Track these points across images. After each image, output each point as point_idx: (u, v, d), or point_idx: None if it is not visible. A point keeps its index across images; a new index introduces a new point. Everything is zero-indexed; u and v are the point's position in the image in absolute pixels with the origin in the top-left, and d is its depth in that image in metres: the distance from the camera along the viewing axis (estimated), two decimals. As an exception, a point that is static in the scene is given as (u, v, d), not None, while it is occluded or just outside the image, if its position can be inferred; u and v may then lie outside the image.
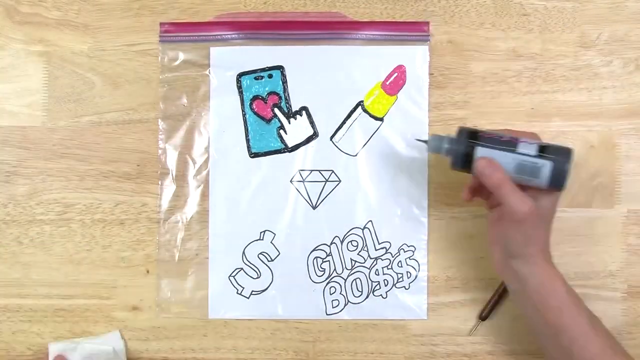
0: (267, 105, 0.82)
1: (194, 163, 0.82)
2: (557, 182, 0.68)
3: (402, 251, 0.82)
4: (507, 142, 0.70)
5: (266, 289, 0.82)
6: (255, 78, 0.82)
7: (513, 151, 0.69)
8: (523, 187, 0.69)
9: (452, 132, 0.81)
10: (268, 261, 0.82)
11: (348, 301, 0.82)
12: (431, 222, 0.82)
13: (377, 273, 0.82)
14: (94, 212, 0.82)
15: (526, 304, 0.72)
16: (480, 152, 0.70)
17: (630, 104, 0.82)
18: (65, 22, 0.83)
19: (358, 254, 0.82)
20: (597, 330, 0.70)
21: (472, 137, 0.71)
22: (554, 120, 0.82)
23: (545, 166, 0.68)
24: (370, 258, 0.82)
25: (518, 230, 0.69)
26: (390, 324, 0.82)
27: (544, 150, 0.68)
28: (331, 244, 0.82)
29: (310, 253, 0.82)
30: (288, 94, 0.82)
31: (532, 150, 0.68)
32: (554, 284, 0.70)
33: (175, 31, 0.82)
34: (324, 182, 0.82)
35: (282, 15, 0.82)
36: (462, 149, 0.71)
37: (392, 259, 0.82)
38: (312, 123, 0.82)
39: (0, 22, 0.83)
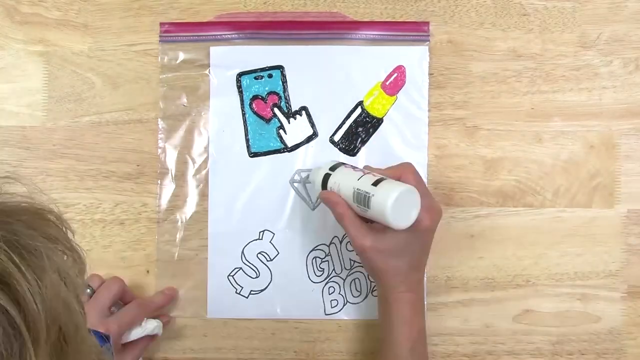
0: (267, 105, 0.82)
1: (194, 163, 0.82)
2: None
3: (401, 251, 0.81)
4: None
5: (265, 288, 0.82)
6: (255, 78, 0.82)
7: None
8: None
9: (452, 131, 0.81)
10: (267, 261, 0.82)
11: (347, 301, 0.82)
12: (431, 222, 0.82)
13: (376, 273, 0.82)
14: (94, 212, 0.83)
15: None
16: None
17: (630, 104, 0.82)
18: (65, 22, 0.83)
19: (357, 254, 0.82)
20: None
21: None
22: (554, 120, 0.82)
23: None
24: (370, 258, 0.82)
25: (364, 260, 0.72)
26: (390, 324, 0.82)
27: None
28: (330, 244, 0.82)
29: (309, 253, 0.82)
30: (288, 94, 0.82)
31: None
32: (390, 318, 0.72)
33: (175, 31, 0.83)
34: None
35: (282, 15, 0.83)
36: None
37: (391, 258, 0.82)
38: (311, 123, 0.82)
39: (0, 22, 0.83)
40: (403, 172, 0.72)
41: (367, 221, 0.72)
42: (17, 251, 0.42)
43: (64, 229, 0.49)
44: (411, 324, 0.72)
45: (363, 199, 0.69)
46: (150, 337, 0.78)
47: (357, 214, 0.71)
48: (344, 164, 0.76)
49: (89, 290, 0.76)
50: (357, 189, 0.70)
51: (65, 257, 0.47)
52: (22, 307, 0.40)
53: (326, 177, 0.75)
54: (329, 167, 0.76)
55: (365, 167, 0.77)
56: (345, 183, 0.72)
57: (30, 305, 0.41)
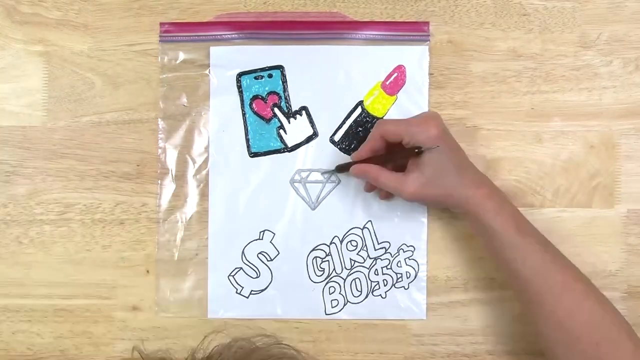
0: (267, 105, 0.82)
1: (194, 163, 0.82)
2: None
3: (401, 251, 0.82)
4: None
5: (265, 288, 0.82)
6: (255, 78, 0.82)
7: None
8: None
9: (452, 131, 0.81)
10: (267, 261, 0.82)
11: (347, 301, 0.82)
12: (431, 222, 0.82)
13: (376, 273, 0.82)
14: (94, 212, 0.82)
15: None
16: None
17: (630, 104, 0.82)
18: (65, 22, 0.83)
19: (357, 254, 0.82)
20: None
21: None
22: (554, 120, 0.82)
23: None
24: (370, 258, 0.82)
25: (423, 201, 0.77)
26: (390, 324, 0.82)
27: None
28: (330, 243, 0.82)
29: (310, 253, 0.82)
30: (288, 94, 0.82)
31: None
32: (482, 219, 0.72)
33: (175, 31, 0.83)
34: (323, 182, 0.82)
35: (282, 15, 0.83)
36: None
37: (391, 259, 0.82)
38: (311, 123, 0.82)
39: (0, 22, 0.83)
40: (379, 129, 0.75)
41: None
42: None
43: None
44: (502, 211, 0.71)
45: None
46: None
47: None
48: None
49: None
50: None
51: None
52: None
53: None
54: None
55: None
56: None
57: None
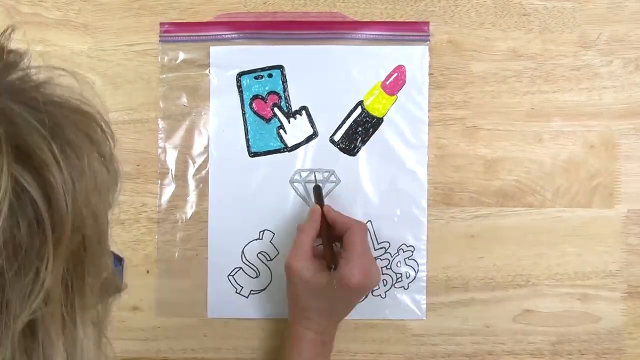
0: (267, 104, 0.82)
1: (194, 163, 0.82)
2: None
3: (401, 251, 0.81)
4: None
5: (265, 288, 0.82)
6: (255, 77, 0.82)
7: None
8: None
9: (452, 131, 0.81)
10: (267, 261, 0.82)
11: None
12: (431, 222, 0.82)
13: (376, 273, 0.82)
14: (94, 212, 0.82)
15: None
16: None
17: (630, 104, 0.82)
18: (65, 22, 0.83)
19: (357, 254, 0.82)
20: None
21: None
22: (554, 120, 0.82)
23: None
24: (370, 258, 0.82)
25: (287, 278, 0.75)
26: (390, 324, 0.82)
27: None
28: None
29: (310, 253, 0.82)
30: (288, 94, 0.82)
31: None
32: (290, 353, 0.73)
33: (175, 31, 0.83)
34: (323, 182, 0.81)
35: (282, 15, 0.83)
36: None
37: (391, 259, 0.82)
38: (311, 123, 0.82)
39: (0, 22, 0.83)
40: (351, 227, 0.74)
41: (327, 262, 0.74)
42: (59, 143, 0.40)
43: (109, 139, 0.47)
44: None
45: None
46: None
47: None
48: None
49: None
50: None
51: (104, 168, 0.45)
52: (51, 204, 0.39)
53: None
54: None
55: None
56: None
57: (61, 203, 0.39)
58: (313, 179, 0.81)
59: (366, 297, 0.80)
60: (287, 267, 0.73)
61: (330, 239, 0.76)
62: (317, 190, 0.80)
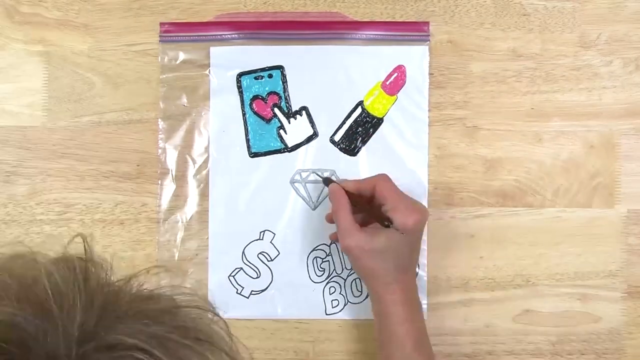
0: (267, 105, 0.82)
1: (194, 163, 0.82)
2: None
3: (401, 251, 0.81)
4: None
5: (266, 288, 0.82)
6: (255, 78, 0.82)
7: None
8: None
9: (452, 131, 0.81)
10: (268, 261, 0.82)
11: (348, 301, 0.82)
12: (431, 222, 0.82)
13: (376, 273, 0.82)
14: (94, 212, 0.82)
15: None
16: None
17: (630, 104, 0.82)
18: (65, 22, 0.83)
19: (358, 254, 0.82)
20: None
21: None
22: (554, 120, 0.82)
23: None
24: (370, 258, 0.82)
25: (351, 259, 0.74)
26: (390, 324, 0.82)
27: None
28: (331, 244, 0.82)
29: (310, 253, 0.82)
30: (288, 94, 0.82)
31: None
32: (388, 318, 0.72)
33: (175, 31, 0.82)
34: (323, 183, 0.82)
35: (282, 15, 0.82)
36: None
37: (391, 259, 0.82)
38: (312, 123, 0.82)
39: (0, 22, 0.83)
40: (377, 180, 0.74)
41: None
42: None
43: (231, 342, 0.46)
44: (411, 322, 0.72)
45: None
46: None
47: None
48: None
49: None
50: None
51: None
52: None
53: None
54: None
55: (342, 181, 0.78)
56: None
57: None
58: (313, 179, 0.81)
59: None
60: (346, 249, 0.72)
61: (368, 202, 0.75)
62: (327, 181, 0.79)
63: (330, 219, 0.77)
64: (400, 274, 0.72)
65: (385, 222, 0.71)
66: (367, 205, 0.75)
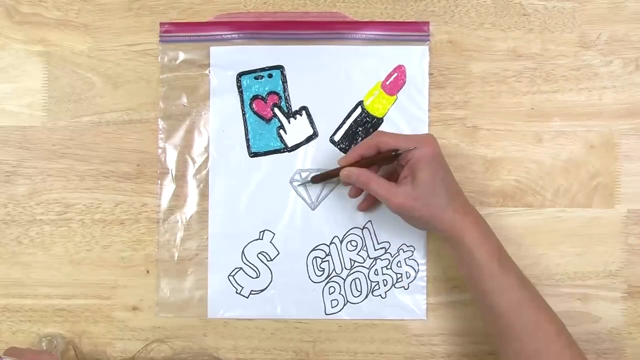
0: (267, 105, 0.82)
1: (194, 163, 0.82)
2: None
3: (401, 251, 0.82)
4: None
5: (265, 288, 0.82)
6: (255, 78, 0.82)
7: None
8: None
9: (452, 131, 0.81)
10: (267, 261, 0.82)
11: (347, 301, 0.82)
12: (431, 222, 0.82)
13: (376, 273, 0.82)
14: (94, 212, 0.83)
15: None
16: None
17: (630, 104, 0.82)
18: (65, 22, 0.83)
19: (357, 254, 0.82)
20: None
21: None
22: (554, 120, 0.82)
23: None
24: (370, 258, 0.82)
25: (407, 214, 0.73)
26: (390, 324, 0.82)
27: None
28: (330, 243, 0.82)
29: (310, 253, 0.82)
30: (288, 94, 0.82)
31: None
32: (466, 245, 0.71)
33: (175, 31, 0.83)
34: (323, 182, 0.82)
35: (282, 15, 0.83)
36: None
37: (391, 259, 0.82)
38: (312, 123, 0.82)
39: (0, 22, 0.83)
40: (375, 136, 0.75)
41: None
42: None
43: None
44: (487, 240, 0.72)
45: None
46: None
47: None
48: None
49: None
50: None
51: None
52: None
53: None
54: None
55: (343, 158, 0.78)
56: None
57: None
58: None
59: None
60: (398, 207, 0.72)
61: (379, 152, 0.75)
62: (315, 178, 0.80)
63: (355, 194, 0.79)
64: (454, 200, 0.72)
65: (393, 152, 0.72)
66: (371, 159, 0.75)
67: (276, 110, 0.82)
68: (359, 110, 0.82)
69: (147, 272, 0.82)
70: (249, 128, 0.82)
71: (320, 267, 0.82)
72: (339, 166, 0.77)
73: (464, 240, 0.71)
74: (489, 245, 0.71)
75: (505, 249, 0.73)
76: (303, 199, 0.82)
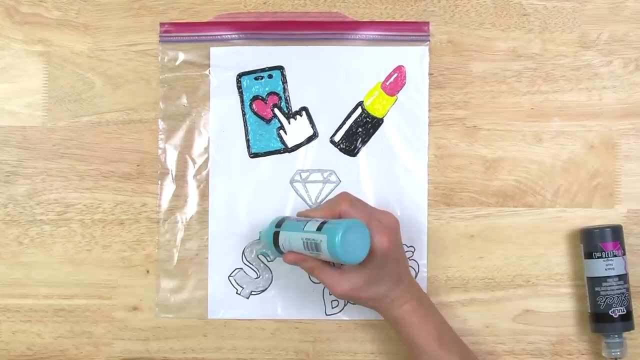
0: (267, 105, 0.82)
1: (194, 163, 0.82)
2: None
3: (401, 251, 0.82)
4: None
5: (266, 289, 0.82)
6: (255, 78, 0.82)
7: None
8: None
9: (452, 131, 0.81)
10: (268, 261, 0.82)
11: (347, 301, 0.82)
12: (431, 222, 0.82)
13: (376, 273, 0.82)
14: (94, 212, 0.82)
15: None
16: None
17: (630, 104, 0.82)
18: (65, 22, 0.83)
19: (358, 254, 0.82)
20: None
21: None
22: (554, 120, 0.82)
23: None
24: (370, 258, 0.82)
25: (351, 300, 0.75)
26: (390, 324, 0.82)
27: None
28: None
29: (310, 253, 0.82)
30: (288, 94, 0.82)
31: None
32: (405, 330, 0.73)
33: (175, 31, 0.82)
34: (323, 183, 0.82)
35: (282, 15, 0.83)
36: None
37: (391, 259, 0.82)
38: (312, 123, 0.82)
39: (0, 22, 0.83)
40: (340, 204, 0.72)
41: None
42: None
43: None
44: (426, 325, 0.72)
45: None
46: None
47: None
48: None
49: None
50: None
51: None
52: None
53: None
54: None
55: (305, 211, 0.76)
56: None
57: None
58: (314, 179, 0.82)
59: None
60: (342, 296, 0.72)
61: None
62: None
63: (291, 260, 0.73)
64: (397, 286, 0.72)
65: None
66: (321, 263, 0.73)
67: (276, 110, 0.82)
68: (359, 110, 0.82)
69: (147, 272, 0.82)
70: (249, 128, 0.82)
71: (321, 268, 0.82)
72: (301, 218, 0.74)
73: (403, 327, 0.72)
74: (429, 327, 0.72)
75: (450, 327, 0.74)
76: (303, 199, 0.82)
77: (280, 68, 0.82)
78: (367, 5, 0.82)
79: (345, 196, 0.73)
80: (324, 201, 0.78)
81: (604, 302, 0.77)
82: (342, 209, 0.71)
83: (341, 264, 0.70)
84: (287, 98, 0.82)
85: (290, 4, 0.83)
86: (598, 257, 0.78)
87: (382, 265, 0.70)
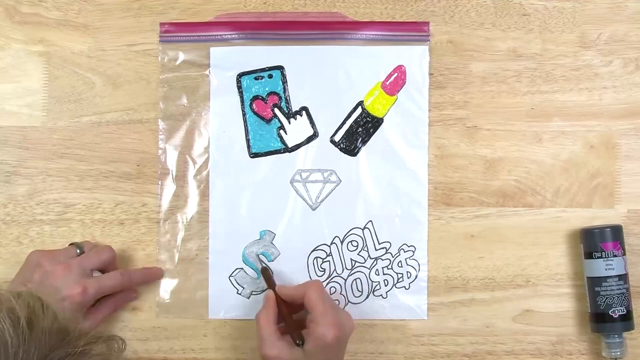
0: (267, 105, 0.82)
1: (194, 163, 0.82)
2: None
3: (402, 251, 0.82)
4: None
5: (266, 289, 0.82)
6: (255, 78, 0.82)
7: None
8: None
9: (452, 131, 0.81)
10: (268, 261, 0.82)
11: (348, 301, 0.82)
12: (431, 222, 0.82)
13: (377, 273, 0.82)
14: (94, 212, 0.82)
15: None
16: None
17: (630, 104, 0.82)
18: (65, 22, 0.83)
19: (358, 254, 0.82)
20: None
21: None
22: (554, 120, 0.82)
23: None
24: (371, 258, 0.82)
25: None
26: (390, 324, 0.82)
27: None
28: (331, 244, 0.82)
29: (311, 253, 0.82)
30: (288, 94, 0.82)
31: None
32: None
33: (175, 31, 0.82)
34: (323, 183, 0.82)
35: (282, 15, 0.83)
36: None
37: (392, 259, 0.82)
38: (312, 123, 0.82)
39: (0, 22, 0.83)
40: (308, 290, 0.73)
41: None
42: None
43: None
44: None
45: None
46: (114, 303, 0.79)
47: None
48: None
49: (77, 251, 0.77)
50: None
51: None
52: None
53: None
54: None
55: (279, 287, 0.77)
56: None
57: None
58: (314, 179, 0.82)
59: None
60: (264, 356, 0.71)
61: (290, 315, 0.74)
62: (266, 272, 0.80)
63: (270, 298, 0.76)
64: None
65: (298, 340, 0.71)
66: (290, 318, 0.74)
67: (276, 110, 0.82)
68: (359, 110, 0.82)
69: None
70: (249, 128, 0.82)
71: (321, 268, 0.82)
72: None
73: None
74: None
75: None
76: (303, 199, 0.82)
77: (280, 68, 0.82)
78: (367, 5, 0.82)
79: (316, 284, 0.75)
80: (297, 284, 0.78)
81: (604, 302, 0.77)
82: (307, 293, 0.72)
83: (303, 342, 0.71)
84: (287, 98, 0.82)
85: (290, 4, 0.83)
86: (598, 257, 0.78)
87: (316, 356, 0.70)
